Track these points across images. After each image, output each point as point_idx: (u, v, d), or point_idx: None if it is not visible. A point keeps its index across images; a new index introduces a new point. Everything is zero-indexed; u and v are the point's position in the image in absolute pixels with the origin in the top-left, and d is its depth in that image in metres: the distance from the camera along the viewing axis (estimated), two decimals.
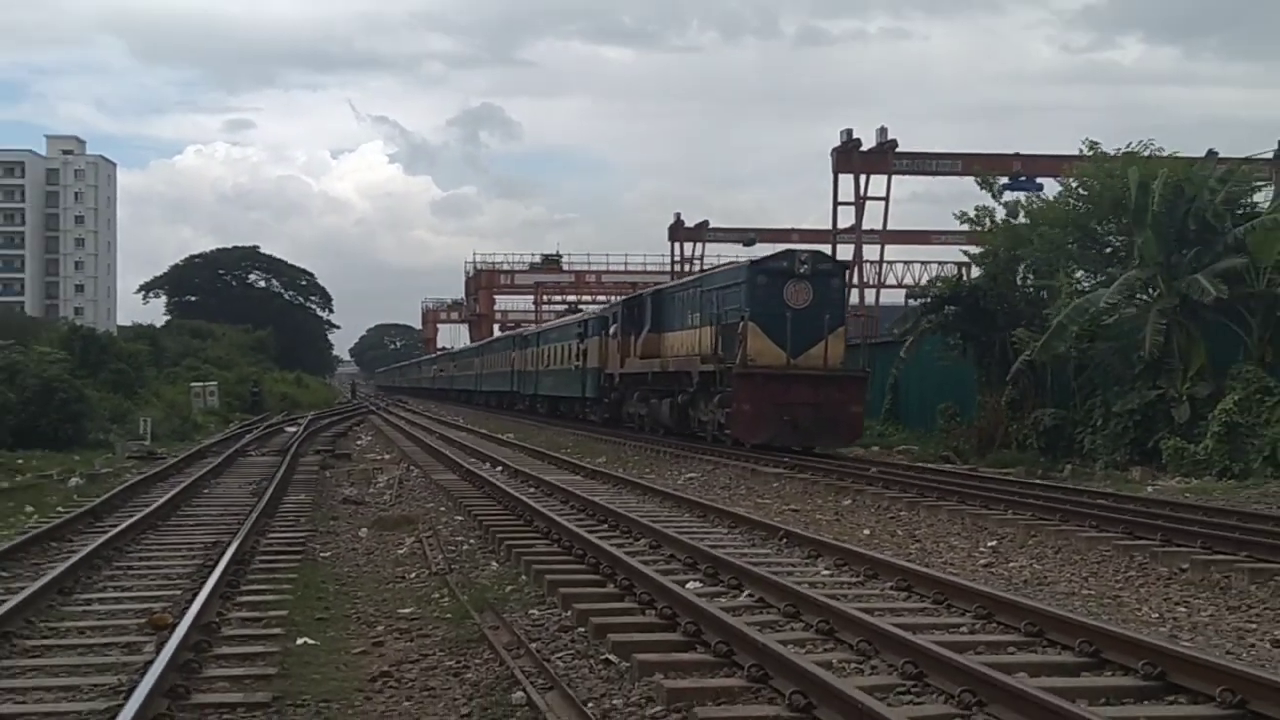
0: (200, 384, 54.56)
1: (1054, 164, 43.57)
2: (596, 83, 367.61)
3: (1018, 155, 48.96)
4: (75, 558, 12.43)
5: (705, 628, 8.93)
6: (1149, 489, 22.04)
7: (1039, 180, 44.81)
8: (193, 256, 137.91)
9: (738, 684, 7.67)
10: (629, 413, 39.71)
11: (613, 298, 63.42)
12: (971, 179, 38.62)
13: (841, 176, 50.33)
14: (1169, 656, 8.01)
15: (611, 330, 40.72)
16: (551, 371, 53.35)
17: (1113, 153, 31.13)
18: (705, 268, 55.78)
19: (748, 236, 67.68)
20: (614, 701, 7.60)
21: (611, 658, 8.62)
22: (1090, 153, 32.24)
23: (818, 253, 32.51)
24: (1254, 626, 10.19)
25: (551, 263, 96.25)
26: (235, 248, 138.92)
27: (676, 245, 70.62)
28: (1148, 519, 15.23)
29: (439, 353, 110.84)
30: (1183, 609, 10.99)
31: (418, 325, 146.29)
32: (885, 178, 50.66)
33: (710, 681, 7.77)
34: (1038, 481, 22.51)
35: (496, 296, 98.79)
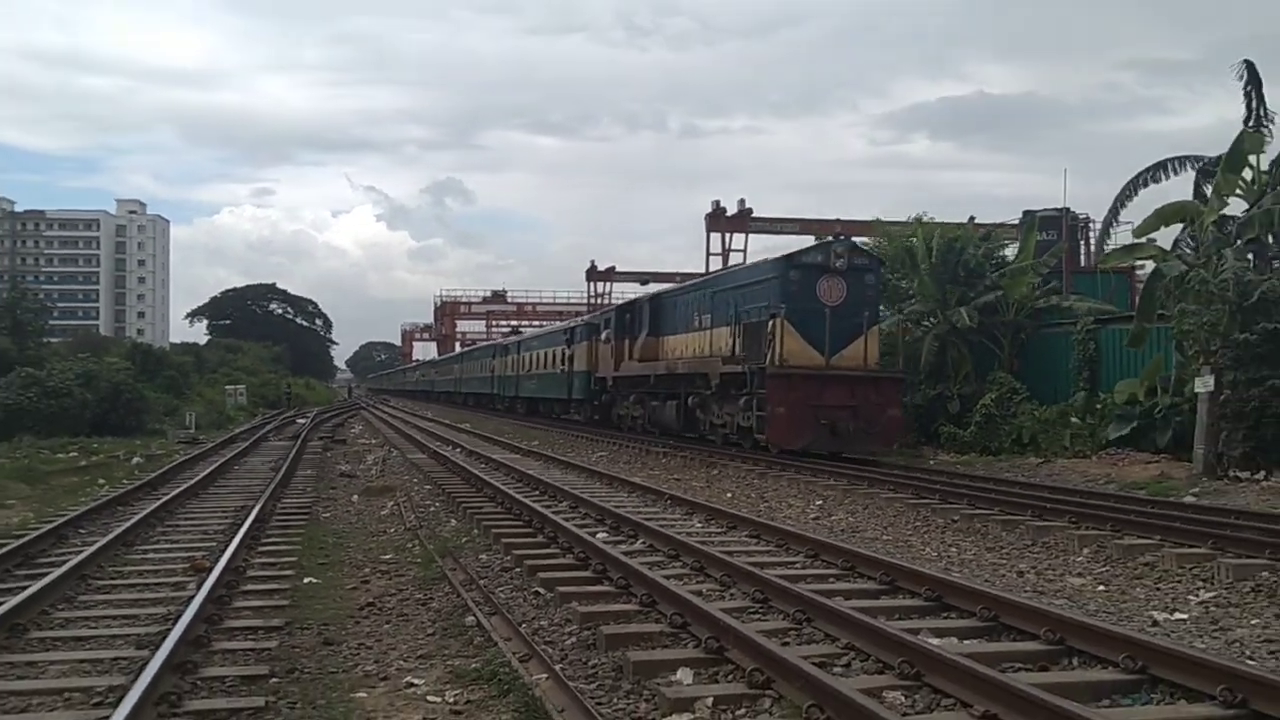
0: (232, 387, 53.67)
1: (865, 227, 43.95)
2: (532, 162, 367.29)
3: (839, 220, 49.24)
4: (135, 518, 12.15)
5: (610, 567, 8.92)
6: (931, 462, 22.37)
7: (854, 239, 45.36)
8: (227, 290, 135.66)
9: (633, 608, 7.66)
10: (620, 414, 31.40)
11: (543, 323, 61.52)
12: (807, 237, 39.24)
13: (712, 234, 50.60)
14: (944, 584, 8.12)
15: (604, 335, 32.05)
16: (534, 375, 44.17)
17: (905, 219, 31.87)
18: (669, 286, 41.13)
19: (643, 278, 67.47)
20: (542, 623, 7.56)
21: (540, 590, 8.58)
22: (884, 219, 33.44)
23: (853, 244, 22.87)
24: (1005, 562, 10.35)
25: (498, 297, 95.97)
26: (259, 284, 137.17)
27: (592, 284, 70.37)
28: (929, 484, 15.47)
29: (417, 362, 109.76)
30: (954, 549, 11.13)
31: (398, 343, 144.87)
32: (744, 236, 51.04)
33: (613, 606, 7.75)
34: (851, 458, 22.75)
35: (458, 322, 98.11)
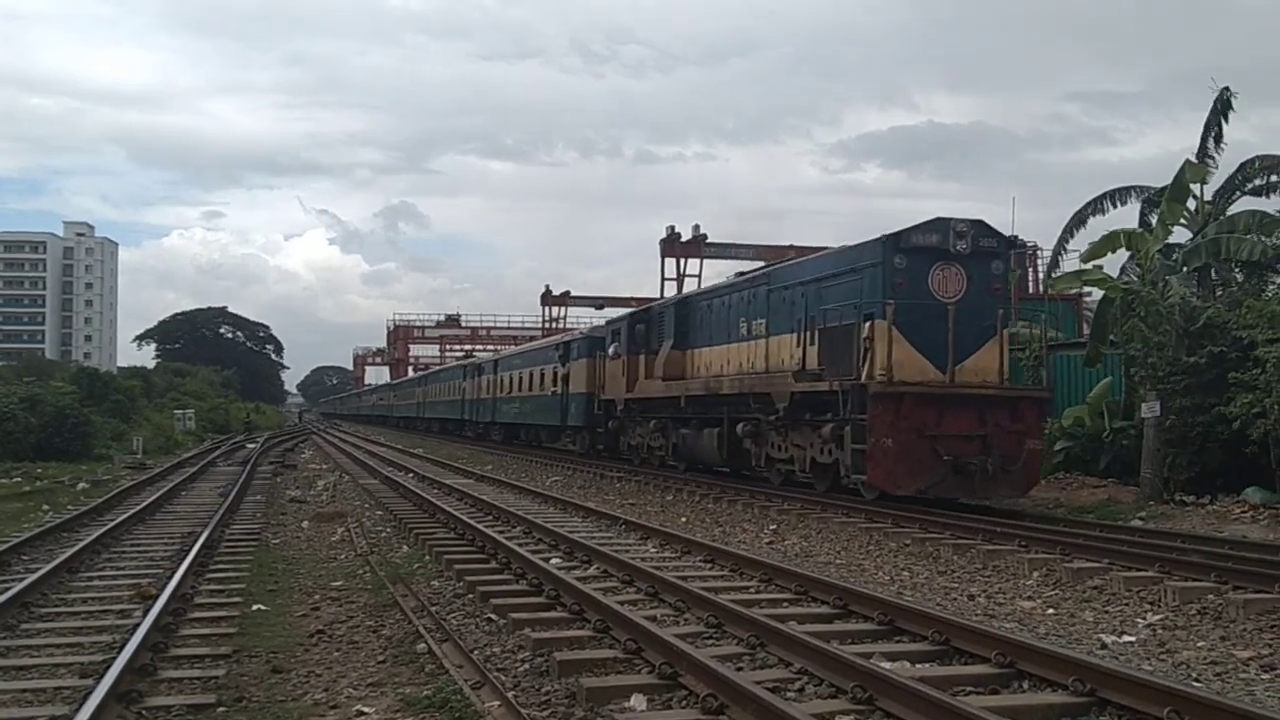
0: (181, 411, 53.02)
1: (817, 253, 44.50)
2: (486, 186, 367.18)
3: (792, 246, 49.83)
4: (81, 544, 11.92)
5: (563, 593, 8.88)
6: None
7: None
8: (176, 314, 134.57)
9: (587, 634, 7.61)
10: (631, 444, 25.90)
11: (499, 348, 58.12)
12: (760, 263, 39.37)
13: (667, 259, 51.06)
14: (896, 608, 8.17)
15: (610, 351, 26.69)
16: (516, 399, 38.37)
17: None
18: (740, 273, 27.45)
19: (598, 302, 67.66)
20: (494, 649, 7.49)
21: (493, 616, 8.51)
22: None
23: (978, 221, 16.17)
24: (956, 586, 10.41)
25: (452, 321, 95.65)
26: (209, 308, 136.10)
27: (547, 309, 70.42)
28: (880, 509, 15.47)
29: (372, 386, 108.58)
30: (907, 573, 11.18)
31: (350, 367, 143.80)
32: (699, 261, 51.46)
33: (566, 632, 7.69)
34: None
35: (411, 346, 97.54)
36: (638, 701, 5.97)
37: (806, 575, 9.76)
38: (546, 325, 68.82)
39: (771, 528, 14.98)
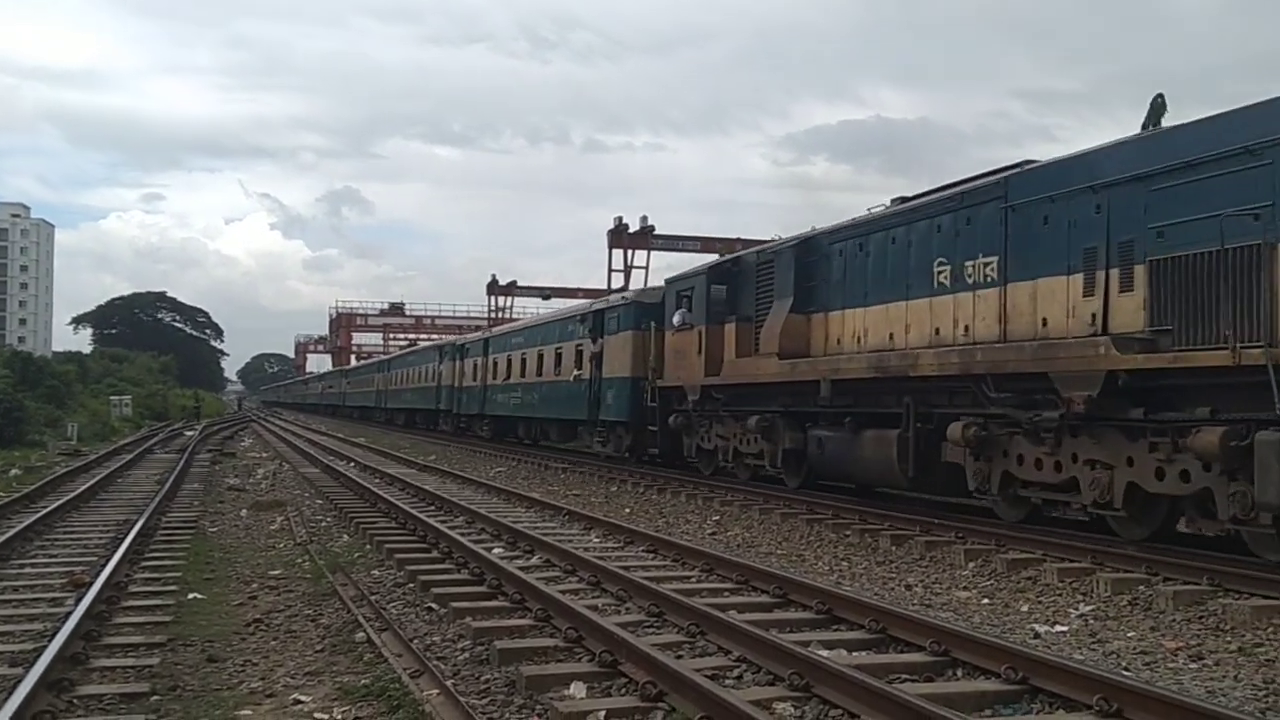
0: (118, 397, 52.15)
1: (762, 242, 44.76)
2: (432, 173, 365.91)
3: (740, 239, 49.99)
4: (11, 532, 11.71)
5: (505, 582, 8.88)
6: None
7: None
8: (114, 299, 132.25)
9: (528, 623, 7.61)
10: (705, 448, 19.30)
11: (442, 338, 54.16)
12: (708, 255, 39.42)
13: (614, 250, 50.91)
14: (835, 597, 8.26)
15: (678, 319, 19.44)
16: (517, 386, 30.78)
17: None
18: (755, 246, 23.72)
19: (545, 293, 67.48)
20: (434, 638, 7.47)
21: (433, 605, 8.49)
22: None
23: None
24: (894, 576, 10.52)
25: (396, 309, 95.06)
26: (148, 292, 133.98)
27: (493, 298, 70.14)
28: (822, 501, 15.55)
29: (314, 373, 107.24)
30: (846, 563, 11.27)
31: (291, 354, 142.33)
32: (646, 252, 51.41)
33: (507, 621, 7.70)
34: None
35: (354, 334, 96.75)
36: (577, 689, 5.99)
37: (748, 565, 9.83)
38: (492, 315, 68.58)
39: (715, 519, 15.05)
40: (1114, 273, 10.54)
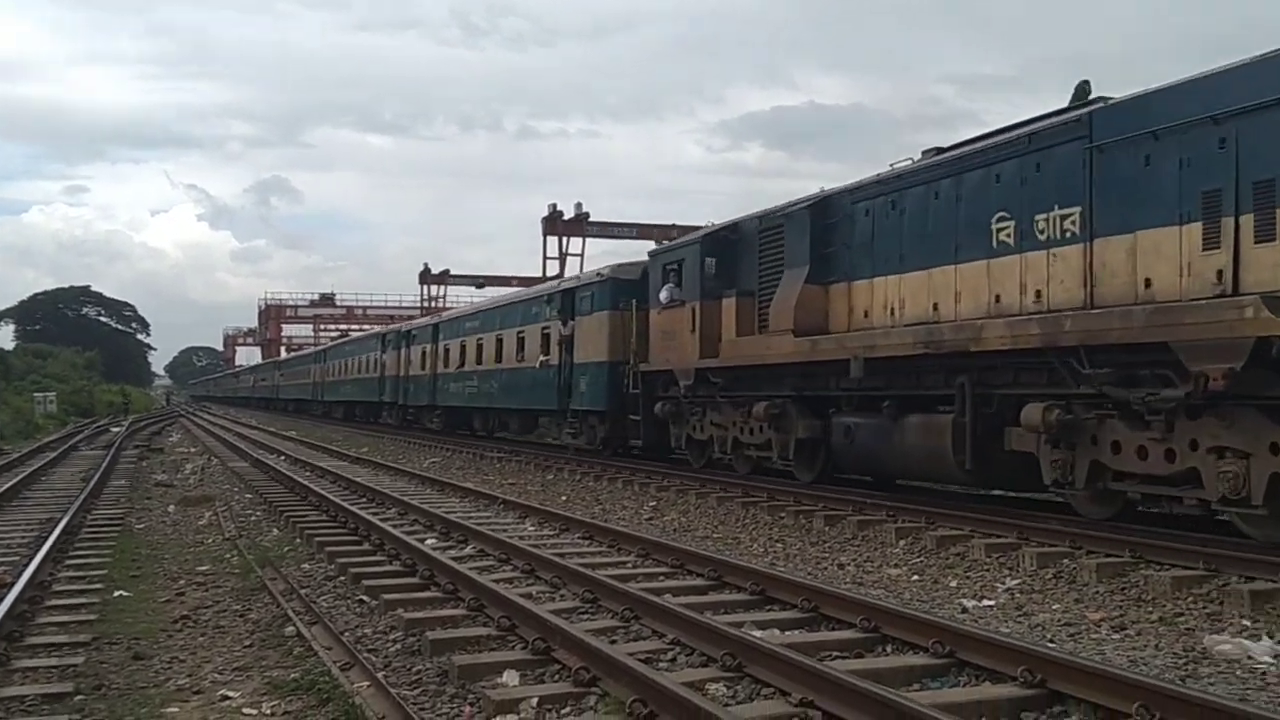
0: (42, 394, 50.96)
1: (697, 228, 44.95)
2: (363, 161, 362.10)
3: (675, 225, 50.17)
4: None
5: (437, 573, 8.84)
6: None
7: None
8: (36, 294, 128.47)
9: (461, 613, 7.58)
10: (698, 439, 17.64)
11: (371, 328, 52.70)
12: (645, 242, 39.58)
13: (549, 238, 50.82)
14: (768, 578, 8.35)
15: (664, 295, 17.64)
16: (474, 374, 28.70)
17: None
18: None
19: (478, 281, 67.15)
20: (365, 630, 7.42)
21: (365, 598, 8.43)
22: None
23: None
24: (828, 556, 10.65)
25: (327, 300, 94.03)
26: (71, 287, 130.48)
27: (425, 287, 69.68)
28: (755, 489, 15.62)
29: (243, 365, 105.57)
30: (780, 545, 11.39)
31: (220, 347, 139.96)
32: (581, 240, 51.39)
33: (439, 612, 7.66)
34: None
35: (284, 326, 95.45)
36: (510, 677, 5.99)
37: (683, 549, 9.90)
38: (425, 304, 68.10)
39: (651, 504, 15.12)
40: (1247, 219, 8.76)
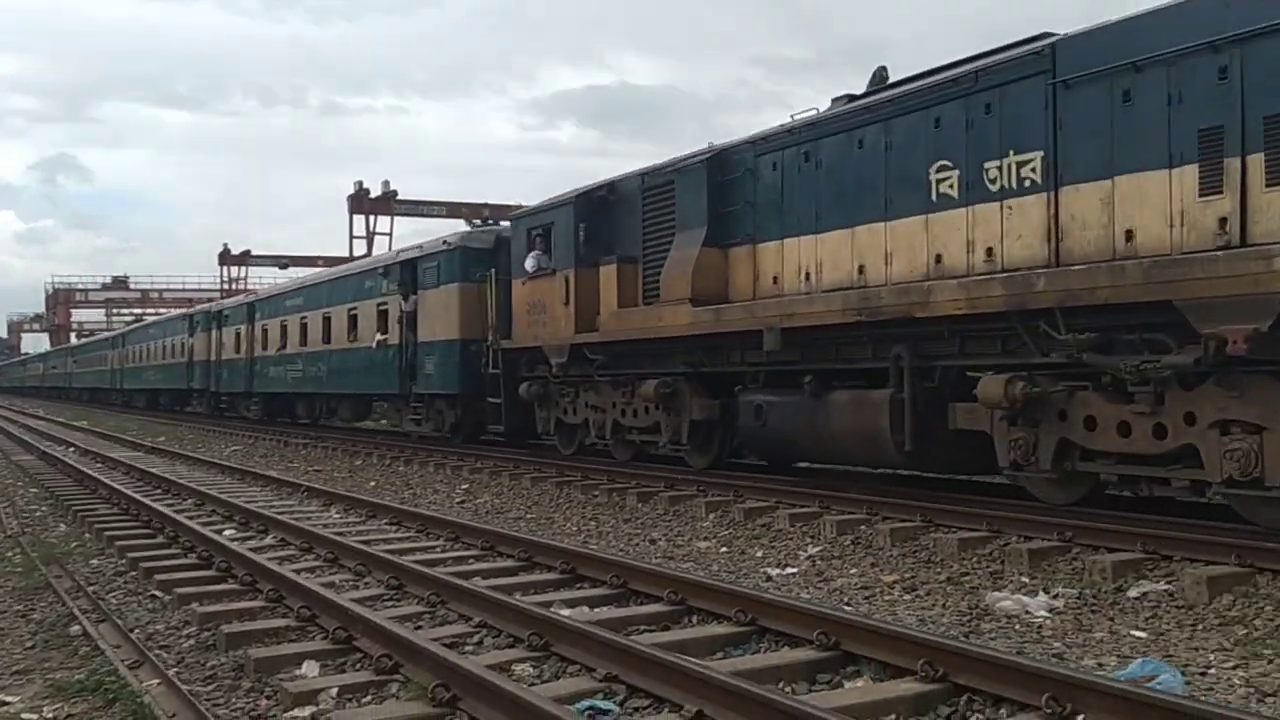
0: None
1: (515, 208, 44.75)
2: (157, 137, 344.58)
3: (487, 204, 49.71)
4: None
5: (235, 564, 8.53)
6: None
7: (502, 222, 45.79)
8: None
9: (259, 605, 7.35)
10: (568, 423, 16.28)
11: (172, 311, 50.64)
12: (455, 221, 39.09)
13: (355, 216, 49.63)
14: (579, 556, 8.40)
15: (531, 264, 16.05)
16: (297, 357, 26.58)
17: None
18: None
19: (282, 262, 64.91)
20: (157, 626, 7.11)
21: (157, 593, 8.07)
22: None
23: None
24: (640, 532, 10.80)
25: (120, 283, 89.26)
26: None
27: (225, 268, 66.97)
28: (570, 470, 15.68)
29: (26, 354, 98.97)
30: (594, 523, 11.48)
31: (4, 335, 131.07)
32: (390, 218, 50.34)
33: (236, 604, 7.40)
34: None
35: (73, 311, 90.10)
36: (309, 668, 5.85)
37: (493, 531, 9.87)
38: (225, 286, 65.51)
39: (464, 487, 15.00)
40: (1255, 160, 7.75)
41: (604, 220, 14.89)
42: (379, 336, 21.42)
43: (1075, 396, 9.00)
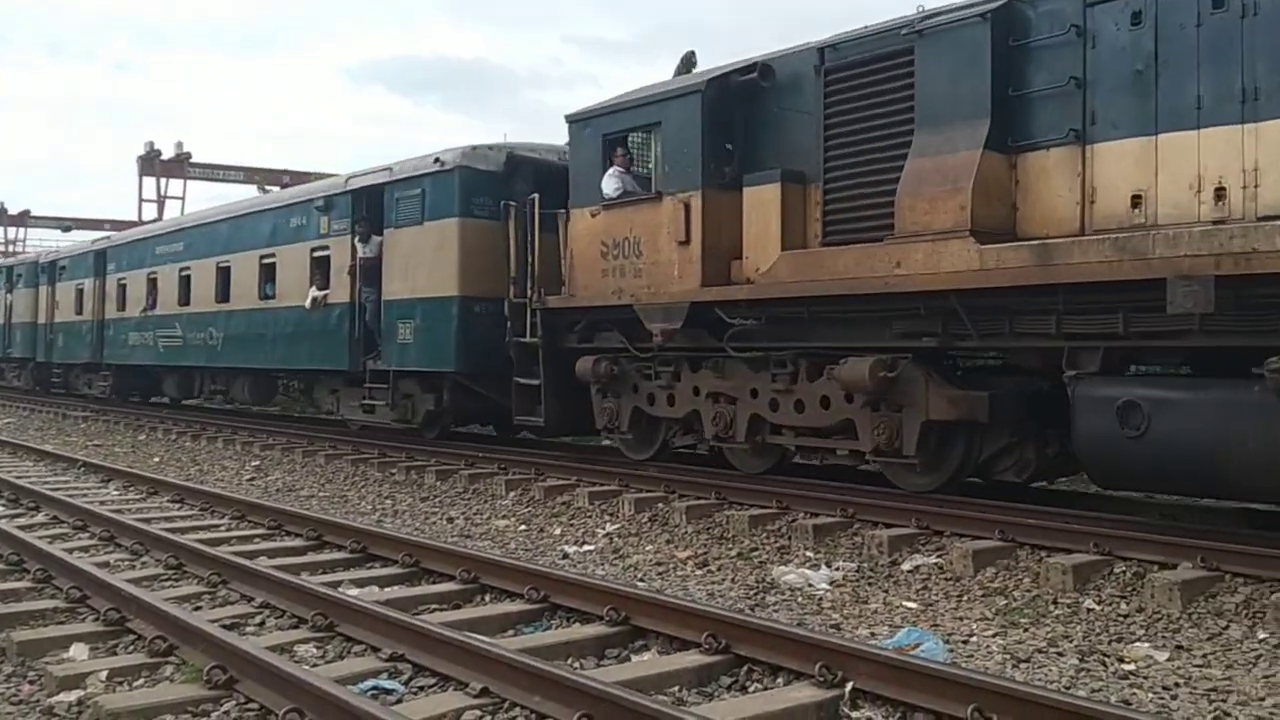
0: None
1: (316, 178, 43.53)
2: None
3: (288, 170, 48.11)
4: None
5: (1, 544, 8.07)
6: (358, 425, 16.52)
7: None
8: None
9: (25, 586, 6.98)
10: (657, 416, 11.67)
11: None
12: (249, 187, 37.74)
13: (146, 179, 47.40)
14: (371, 535, 8.32)
15: (610, 188, 11.39)
16: (171, 319, 20.73)
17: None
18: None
19: (64, 225, 61.12)
20: None
21: None
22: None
23: None
24: (437, 510, 10.72)
25: None
26: None
27: (1, 230, 62.60)
28: (368, 443, 15.41)
29: None
30: (390, 501, 11.36)
31: None
32: (182, 182, 48.21)
33: (1, 585, 7.04)
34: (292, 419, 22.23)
35: None
36: (78, 651, 5.61)
37: (281, 509, 9.66)
38: (3, 248, 61.29)
39: (254, 464, 14.57)
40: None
41: (750, 119, 10.55)
42: (315, 293, 16.14)
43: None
